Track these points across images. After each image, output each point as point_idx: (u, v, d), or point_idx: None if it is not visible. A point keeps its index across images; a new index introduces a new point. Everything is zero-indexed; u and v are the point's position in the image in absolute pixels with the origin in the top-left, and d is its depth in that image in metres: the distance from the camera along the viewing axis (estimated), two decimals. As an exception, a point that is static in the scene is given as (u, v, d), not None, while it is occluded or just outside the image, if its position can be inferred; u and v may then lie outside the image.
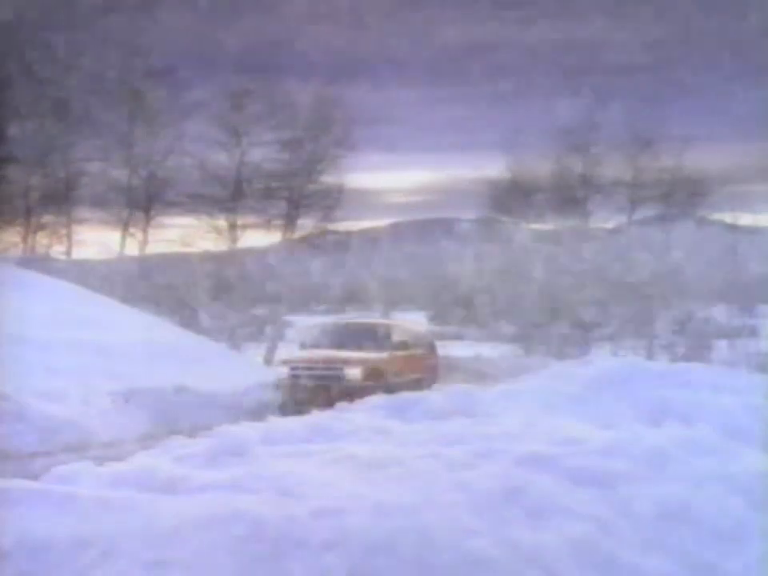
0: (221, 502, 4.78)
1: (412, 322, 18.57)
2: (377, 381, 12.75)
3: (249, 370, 16.04)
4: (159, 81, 30.20)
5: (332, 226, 34.87)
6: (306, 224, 35.34)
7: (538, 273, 25.28)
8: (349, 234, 35.23)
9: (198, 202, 32.62)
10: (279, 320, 24.68)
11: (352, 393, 11.89)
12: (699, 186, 31.97)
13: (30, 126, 27.72)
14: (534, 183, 33.28)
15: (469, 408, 8.84)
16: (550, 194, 33.50)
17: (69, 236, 31.84)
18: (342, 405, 10.36)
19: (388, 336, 14.43)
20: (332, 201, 34.28)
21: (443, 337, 24.69)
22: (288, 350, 17.61)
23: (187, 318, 22.73)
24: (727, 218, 32.49)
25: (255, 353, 22.84)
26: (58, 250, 31.48)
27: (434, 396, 9.85)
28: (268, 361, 22.21)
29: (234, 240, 33.45)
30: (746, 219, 32.51)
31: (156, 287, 24.97)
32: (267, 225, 34.44)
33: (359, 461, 5.90)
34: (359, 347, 13.70)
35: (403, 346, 14.43)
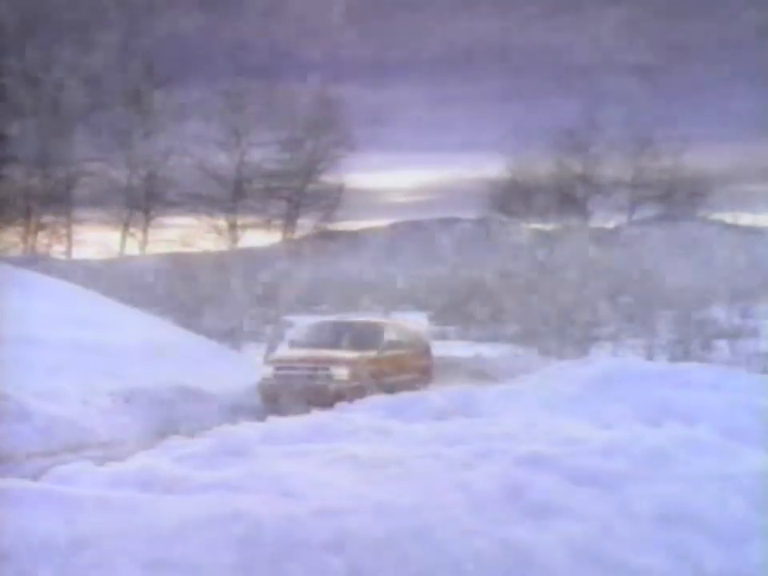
0: (221, 501, 4.78)
1: (405, 321, 18.27)
2: (365, 381, 12.31)
3: (249, 369, 16.03)
4: (159, 81, 30.26)
5: (332, 226, 34.89)
6: (306, 224, 35.37)
7: (538, 272, 25.29)
8: (349, 233, 35.25)
9: (197, 202, 32.63)
10: (279, 320, 24.68)
11: (339, 393, 11.67)
12: (699, 186, 31.98)
13: (30, 126, 27.71)
14: (533, 183, 33.29)
15: (469, 408, 8.85)
16: (550, 194, 33.51)
17: (69, 236, 31.86)
18: (339, 405, 10.19)
19: (378, 335, 13.86)
20: (332, 201, 34.30)
21: (443, 337, 24.73)
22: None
23: (187, 318, 22.71)
24: (727, 217, 32.51)
25: (255, 353, 22.83)
26: (57, 250, 31.52)
27: (434, 396, 9.86)
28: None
29: (234, 240, 33.47)
30: (745, 219, 32.53)
31: (156, 287, 24.95)
32: (267, 225, 34.46)
33: (359, 461, 5.90)
34: (348, 346, 13.24)
35: (395, 345, 13.93)
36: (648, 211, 34.99)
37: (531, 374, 12.14)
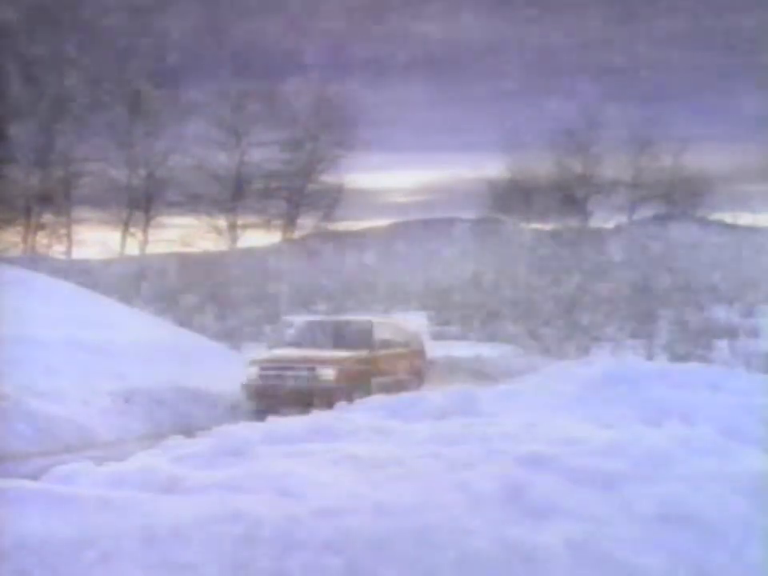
0: (221, 501, 4.78)
1: (397, 319, 18.02)
2: (353, 382, 11.93)
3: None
4: (159, 81, 30.26)
5: (332, 226, 34.94)
6: (306, 224, 35.45)
7: (538, 272, 25.30)
8: (349, 233, 35.27)
9: (197, 202, 32.71)
10: (279, 320, 24.67)
11: (325, 395, 11.30)
12: (699, 186, 32.02)
13: (30, 125, 27.73)
14: (534, 183, 33.33)
15: (469, 408, 8.84)
16: (550, 194, 33.53)
17: (69, 236, 31.91)
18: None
19: (368, 334, 13.27)
20: (332, 201, 34.37)
21: (444, 337, 24.70)
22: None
23: (187, 318, 22.72)
24: (727, 217, 32.53)
25: (255, 353, 22.81)
26: (57, 250, 31.56)
27: (434, 396, 9.85)
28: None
29: (234, 240, 33.51)
30: (745, 219, 32.55)
31: (156, 287, 24.96)
32: (267, 225, 34.54)
33: (359, 461, 5.90)
34: (336, 346, 12.78)
35: (386, 344, 13.44)
36: (648, 211, 35.03)
37: (531, 374, 12.15)
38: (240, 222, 33.55)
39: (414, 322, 19.96)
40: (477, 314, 26.06)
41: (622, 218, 34.50)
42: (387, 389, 11.73)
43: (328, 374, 11.89)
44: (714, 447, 6.07)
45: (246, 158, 33.15)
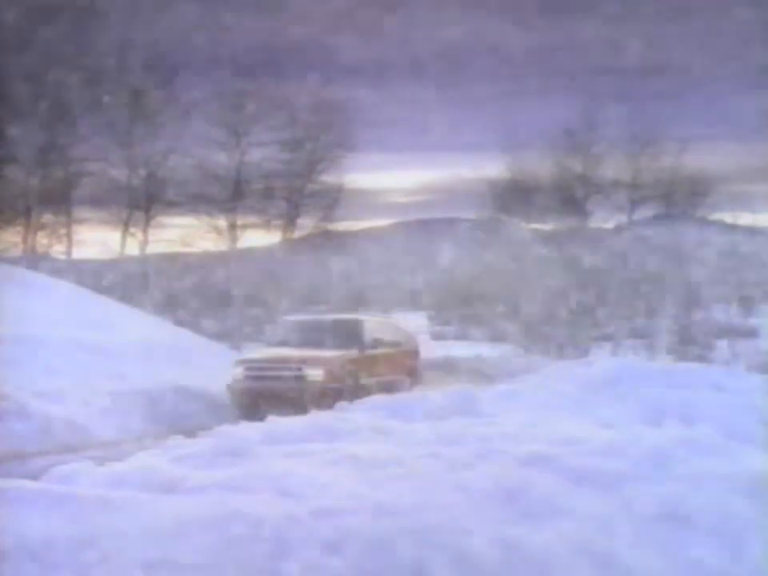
0: (221, 501, 4.78)
1: (390, 319, 17.78)
2: (342, 382, 11.63)
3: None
4: (159, 81, 30.25)
5: (332, 226, 34.91)
6: (306, 224, 35.41)
7: (538, 273, 25.29)
8: (349, 233, 35.25)
9: (197, 202, 32.67)
10: (278, 320, 24.67)
11: (313, 396, 11.04)
12: (699, 186, 32.01)
13: (30, 125, 27.71)
14: (534, 183, 33.30)
15: (469, 408, 8.84)
16: (550, 194, 33.52)
17: (69, 236, 31.89)
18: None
19: (359, 333, 12.91)
20: (332, 201, 34.34)
21: (444, 337, 24.72)
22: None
23: (187, 318, 22.72)
24: (727, 217, 32.52)
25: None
26: (58, 250, 31.54)
27: (434, 396, 9.85)
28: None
29: (234, 240, 33.49)
30: (745, 219, 32.55)
31: (156, 287, 24.96)
32: (267, 225, 34.51)
33: (359, 461, 5.90)
34: (326, 345, 12.34)
35: (377, 344, 13.03)
36: (648, 211, 35.02)
37: (531, 374, 12.15)
38: (240, 222, 33.51)
39: (413, 321, 19.93)
40: (477, 314, 26.07)
41: (622, 218, 34.49)
42: (377, 390, 11.39)
43: (315, 374, 11.54)
44: (714, 447, 6.07)
45: (246, 157, 33.13)
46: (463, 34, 37.75)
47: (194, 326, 21.54)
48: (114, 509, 4.71)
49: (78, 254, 32.01)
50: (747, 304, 24.70)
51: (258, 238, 43.09)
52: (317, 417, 8.46)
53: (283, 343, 13.14)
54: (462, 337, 25.73)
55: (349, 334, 12.80)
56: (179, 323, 20.86)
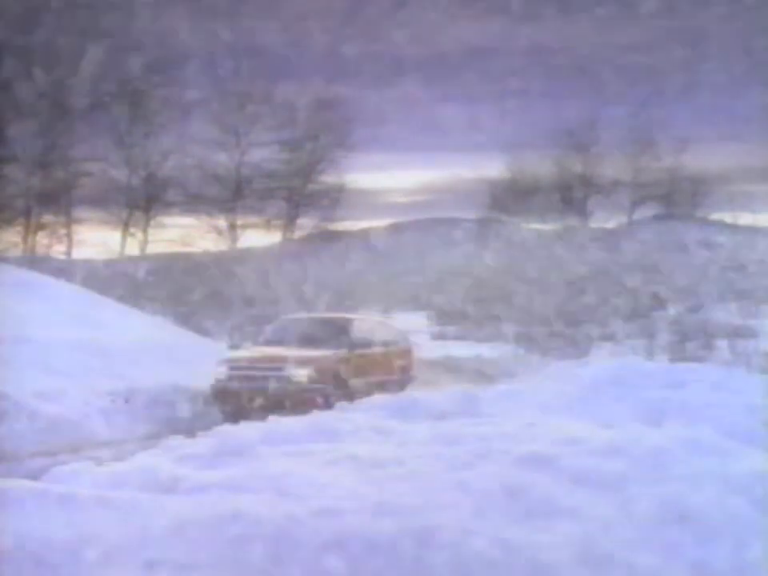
0: (221, 501, 4.78)
1: (381, 318, 17.50)
2: (328, 383, 11.24)
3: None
4: (159, 81, 30.26)
5: (332, 226, 34.94)
6: (306, 224, 35.45)
7: (538, 273, 25.30)
8: (349, 233, 35.27)
9: (197, 202, 32.72)
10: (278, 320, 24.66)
11: (297, 397, 10.77)
12: (699, 186, 32.04)
13: (30, 125, 27.72)
14: (534, 183, 33.33)
15: (469, 408, 8.84)
16: (550, 194, 33.54)
17: (69, 236, 31.94)
18: (290, 412, 9.10)
19: (346, 332, 12.48)
20: (332, 201, 34.36)
21: (444, 337, 24.70)
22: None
23: (187, 318, 22.73)
24: (727, 217, 32.54)
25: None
26: (58, 250, 31.58)
27: (434, 396, 9.85)
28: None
29: (234, 240, 33.52)
30: (745, 219, 32.56)
31: (156, 287, 24.97)
32: (267, 225, 34.55)
33: (359, 461, 5.90)
34: (311, 344, 11.94)
35: (366, 343, 12.58)
36: (648, 211, 35.05)
37: (531, 374, 12.14)
38: (240, 222, 33.56)
39: (413, 321, 19.89)
40: (477, 314, 26.05)
41: (622, 218, 34.53)
42: (367, 391, 11.06)
43: (300, 374, 11.15)
44: (714, 447, 6.06)
45: (246, 158, 33.18)
46: (463, 34, 37.77)
47: (195, 325, 21.54)
48: (114, 509, 4.71)
49: (78, 253, 32.05)
50: (747, 304, 24.70)
51: (258, 237, 43.14)
52: (317, 417, 8.46)
53: (270, 342, 12.71)
54: (461, 337, 25.70)
55: (337, 333, 12.42)
56: (179, 323, 20.86)
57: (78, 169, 31.33)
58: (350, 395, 10.90)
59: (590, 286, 24.51)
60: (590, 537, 4.46)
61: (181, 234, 33.02)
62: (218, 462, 6.12)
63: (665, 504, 4.89)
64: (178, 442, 7.40)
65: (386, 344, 13.48)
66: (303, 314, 15.85)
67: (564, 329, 23.59)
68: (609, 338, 23.14)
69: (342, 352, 12.02)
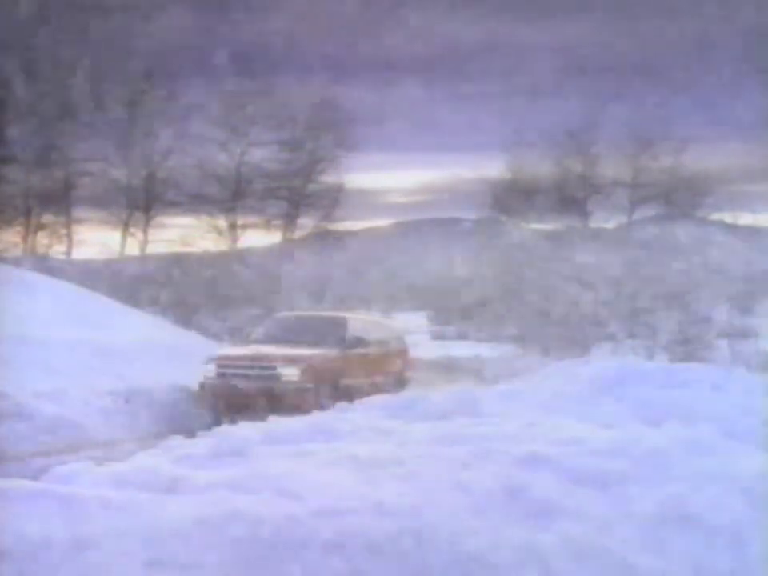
0: (221, 501, 4.78)
1: (378, 317, 17.40)
2: (320, 382, 10.94)
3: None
4: (159, 81, 30.28)
5: (332, 226, 34.93)
6: (306, 224, 35.43)
7: (538, 273, 25.29)
8: (349, 233, 35.27)
9: (197, 202, 32.71)
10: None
11: (288, 397, 10.50)
12: (699, 186, 32.04)
13: (30, 125, 27.72)
14: (534, 183, 33.34)
15: (469, 408, 8.83)
16: (550, 194, 33.55)
17: (69, 236, 31.92)
18: (281, 412, 8.87)
19: (341, 331, 12.22)
20: (332, 201, 34.35)
21: (444, 337, 24.72)
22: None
23: (187, 318, 22.72)
24: (727, 217, 32.53)
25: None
26: (58, 250, 31.56)
27: (434, 396, 9.85)
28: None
29: (234, 240, 33.51)
30: (745, 219, 32.57)
31: (156, 287, 24.97)
32: (267, 225, 34.53)
33: (359, 461, 5.90)
34: (305, 343, 11.61)
35: (361, 343, 12.28)
36: (648, 211, 35.06)
37: (531, 374, 12.13)
38: (240, 221, 33.54)
39: (413, 321, 19.89)
40: (477, 314, 26.05)
41: (622, 218, 34.53)
42: (361, 391, 10.82)
43: (291, 373, 10.83)
44: (714, 447, 6.07)
45: (246, 158, 33.16)
46: (463, 33, 37.75)
47: (195, 325, 21.53)
48: (114, 509, 4.70)
49: (78, 254, 32.04)
50: (747, 304, 24.70)
51: (258, 237, 43.14)
52: (317, 417, 8.47)
53: (262, 340, 12.39)
54: (461, 337, 25.73)
55: (330, 332, 12.14)
56: (179, 323, 20.86)
57: (78, 169, 31.33)
58: (343, 395, 10.70)
59: (590, 285, 24.49)
60: (590, 536, 4.47)
61: (181, 233, 33.00)
62: (217, 462, 6.13)
63: (665, 504, 4.89)
64: (177, 441, 7.40)
65: (381, 344, 13.25)
66: (297, 312, 15.56)
67: (564, 329, 23.59)
68: (609, 338, 23.14)
69: (336, 351, 11.76)
